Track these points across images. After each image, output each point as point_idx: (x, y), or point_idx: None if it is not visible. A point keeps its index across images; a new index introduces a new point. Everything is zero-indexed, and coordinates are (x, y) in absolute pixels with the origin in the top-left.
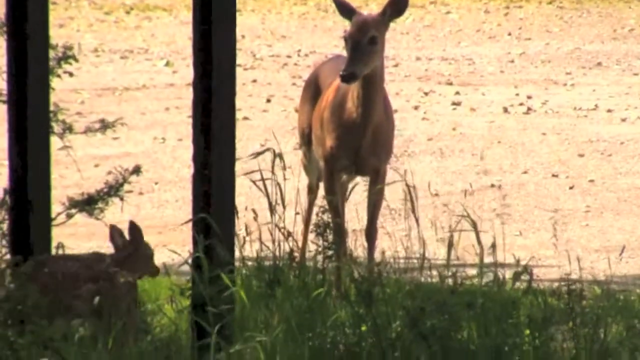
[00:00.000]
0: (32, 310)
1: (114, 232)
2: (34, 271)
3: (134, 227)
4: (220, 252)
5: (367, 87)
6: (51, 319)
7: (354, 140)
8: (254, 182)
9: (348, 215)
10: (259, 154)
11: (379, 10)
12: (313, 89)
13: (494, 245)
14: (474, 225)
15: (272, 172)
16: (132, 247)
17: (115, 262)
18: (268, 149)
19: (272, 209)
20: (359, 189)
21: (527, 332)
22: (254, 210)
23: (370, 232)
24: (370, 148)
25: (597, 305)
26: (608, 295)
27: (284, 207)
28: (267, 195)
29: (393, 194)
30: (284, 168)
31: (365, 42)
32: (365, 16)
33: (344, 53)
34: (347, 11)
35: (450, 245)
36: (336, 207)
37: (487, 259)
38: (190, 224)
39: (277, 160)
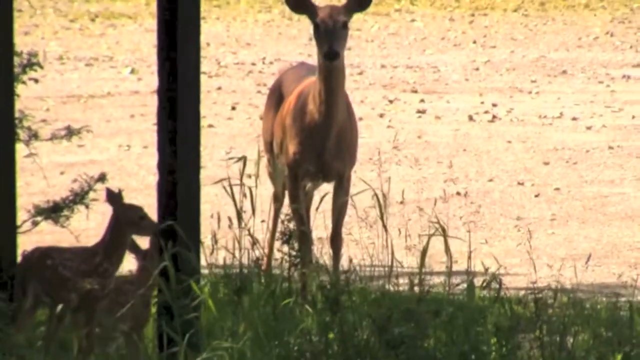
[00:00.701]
0: None
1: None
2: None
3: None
4: (188, 259)
5: (330, 82)
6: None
7: (317, 143)
8: (225, 188)
9: (315, 223)
10: (238, 159)
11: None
12: (276, 97)
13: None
14: (444, 232)
15: (241, 181)
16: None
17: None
18: (243, 157)
19: (239, 217)
20: (326, 196)
21: (494, 340)
22: (219, 218)
23: (336, 240)
24: (334, 151)
25: (563, 313)
26: (574, 303)
27: (254, 213)
28: (235, 203)
29: (361, 202)
30: (257, 175)
31: (338, 26)
32: (331, 5)
33: (309, 61)
34: (301, 4)
35: (424, 252)
36: (301, 215)
37: (455, 267)
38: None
39: (249, 166)
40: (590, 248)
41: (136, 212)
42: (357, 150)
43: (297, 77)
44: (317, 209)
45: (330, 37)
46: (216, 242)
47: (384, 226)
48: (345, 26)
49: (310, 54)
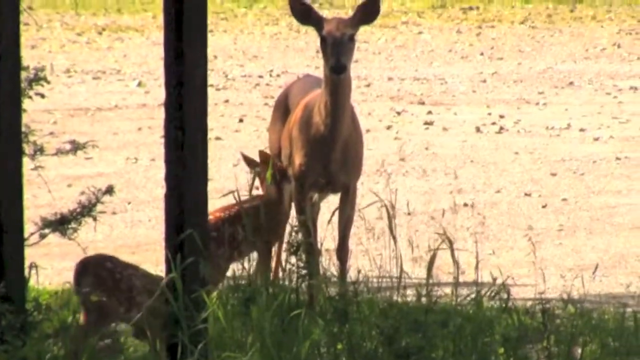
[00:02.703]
0: (6, 330)
1: None
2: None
3: None
4: (201, 270)
5: (336, 95)
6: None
7: (323, 155)
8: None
9: (324, 234)
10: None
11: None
12: (283, 109)
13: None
14: (451, 243)
15: (250, 193)
16: None
17: None
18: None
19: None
20: (333, 207)
21: (502, 350)
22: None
23: (342, 252)
24: (340, 163)
25: (571, 324)
26: (582, 314)
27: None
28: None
29: (369, 214)
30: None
31: (345, 38)
32: (338, 17)
33: (316, 73)
34: (307, 16)
35: (431, 263)
36: (308, 227)
37: (462, 278)
38: (162, 243)
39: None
40: (597, 258)
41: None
42: (362, 162)
43: (303, 89)
44: (329, 221)
45: (337, 50)
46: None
47: (393, 237)
48: (351, 39)
49: (317, 66)
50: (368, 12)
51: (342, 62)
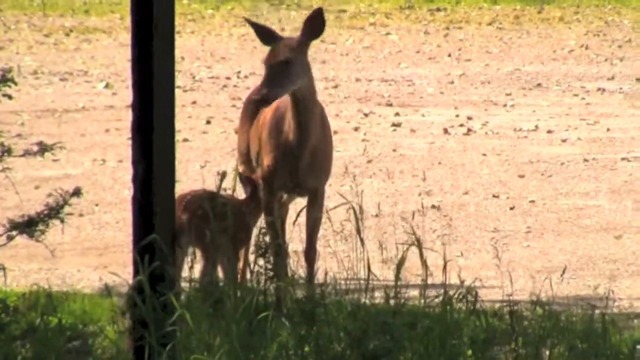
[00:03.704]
0: None
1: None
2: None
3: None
4: (168, 273)
5: (299, 110)
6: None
7: (291, 161)
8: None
9: (290, 236)
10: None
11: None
12: (252, 109)
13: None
14: (420, 245)
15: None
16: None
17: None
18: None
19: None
20: (299, 208)
21: (470, 352)
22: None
23: (310, 254)
24: (308, 169)
25: (539, 325)
26: (550, 316)
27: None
28: (211, 216)
29: (337, 215)
30: (234, 189)
31: (279, 65)
32: (282, 40)
33: None
34: (268, 37)
35: (400, 265)
36: (276, 228)
37: (430, 280)
38: (130, 245)
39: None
40: (565, 260)
41: None
42: (331, 165)
43: None
44: (294, 222)
45: (266, 79)
46: (195, 256)
47: (361, 239)
48: (287, 63)
49: None
50: (314, 26)
51: (264, 93)
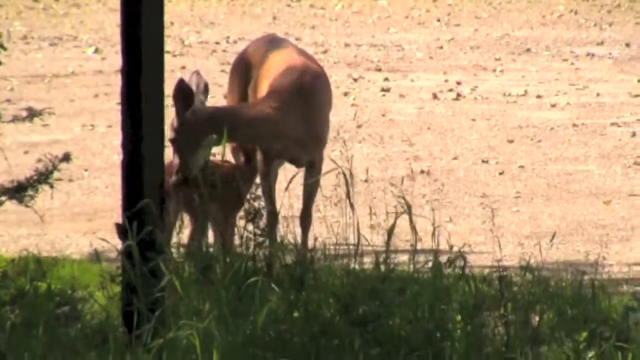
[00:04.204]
0: None
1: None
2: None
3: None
4: (158, 238)
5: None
6: None
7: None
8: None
9: (280, 202)
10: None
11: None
12: (243, 69)
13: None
14: (409, 210)
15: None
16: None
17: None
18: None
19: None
20: (290, 175)
21: (459, 318)
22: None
23: (305, 218)
24: (299, 150)
25: (528, 291)
26: (539, 281)
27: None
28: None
29: (327, 180)
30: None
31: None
32: (193, 109)
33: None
34: (187, 99)
35: (391, 230)
36: (270, 194)
37: (420, 246)
38: (119, 210)
39: None
40: (555, 226)
41: None
42: (326, 135)
43: (262, 44)
44: (286, 188)
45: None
46: (182, 221)
47: (351, 204)
48: (174, 141)
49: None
50: (181, 98)
51: (179, 177)
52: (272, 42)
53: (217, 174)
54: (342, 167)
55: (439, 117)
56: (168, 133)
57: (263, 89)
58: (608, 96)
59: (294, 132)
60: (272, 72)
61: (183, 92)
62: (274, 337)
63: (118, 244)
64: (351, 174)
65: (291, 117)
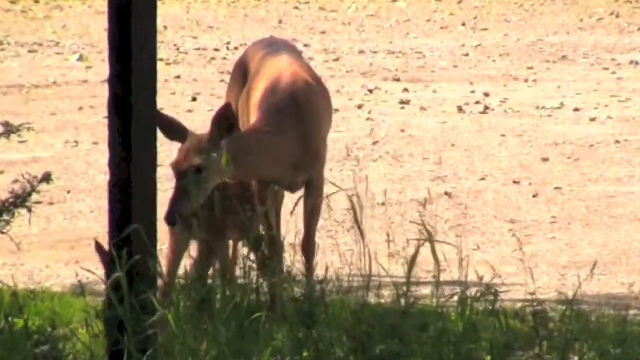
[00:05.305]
0: None
1: None
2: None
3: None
4: (150, 268)
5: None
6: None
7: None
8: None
9: (286, 227)
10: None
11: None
12: (243, 69)
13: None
14: (431, 237)
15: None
16: None
17: None
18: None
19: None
20: (296, 197)
21: (488, 358)
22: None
23: (308, 246)
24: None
25: (565, 328)
26: (578, 316)
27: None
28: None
29: (338, 204)
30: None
31: (183, 177)
32: (192, 139)
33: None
34: (176, 132)
35: (413, 259)
36: (269, 218)
37: (443, 276)
38: (105, 237)
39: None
40: (595, 254)
41: None
42: (324, 152)
43: (263, 46)
44: (291, 212)
45: (175, 191)
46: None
47: (360, 231)
48: (199, 170)
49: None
50: (223, 124)
51: (172, 211)
52: (269, 47)
53: (232, 195)
54: (350, 190)
55: (464, 132)
56: (177, 156)
57: (252, 104)
58: None
59: (291, 157)
60: (259, 86)
61: (228, 120)
62: None
63: (103, 274)
64: (358, 196)
65: (286, 140)
